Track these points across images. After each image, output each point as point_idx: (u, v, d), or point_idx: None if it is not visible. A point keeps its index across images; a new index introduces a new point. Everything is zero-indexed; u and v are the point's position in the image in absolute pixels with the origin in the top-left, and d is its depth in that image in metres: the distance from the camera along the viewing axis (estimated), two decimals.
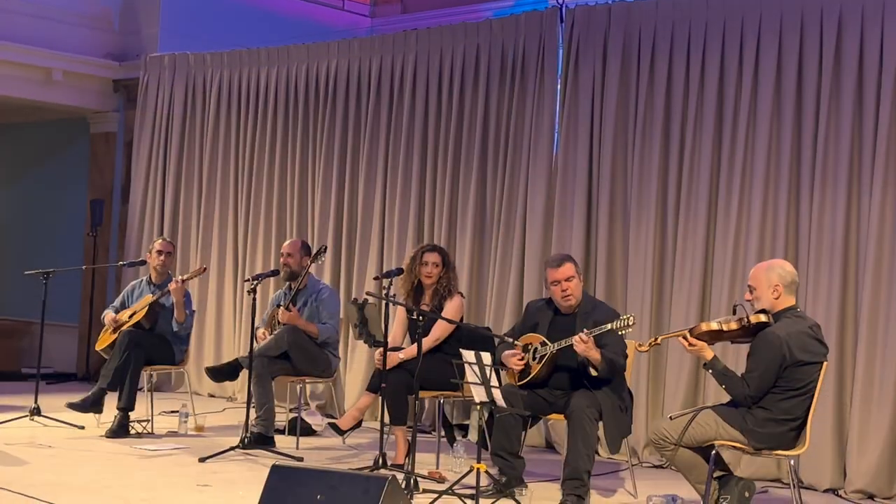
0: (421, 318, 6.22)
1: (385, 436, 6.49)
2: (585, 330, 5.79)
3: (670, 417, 5.44)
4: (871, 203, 6.60)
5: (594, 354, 5.78)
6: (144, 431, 7.61)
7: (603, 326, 5.75)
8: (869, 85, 6.67)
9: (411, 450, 6.16)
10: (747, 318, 5.37)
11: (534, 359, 6.04)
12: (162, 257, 8.00)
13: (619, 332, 5.76)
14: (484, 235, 8.29)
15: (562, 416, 6.00)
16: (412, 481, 5.91)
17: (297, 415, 7.79)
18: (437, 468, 6.73)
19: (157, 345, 7.80)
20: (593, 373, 5.83)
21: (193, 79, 10.16)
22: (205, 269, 8.48)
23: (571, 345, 5.86)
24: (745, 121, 7.08)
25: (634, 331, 7.23)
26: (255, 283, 7.19)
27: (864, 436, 6.52)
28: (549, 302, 6.24)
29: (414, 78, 8.68)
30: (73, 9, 10.70)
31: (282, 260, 7.71)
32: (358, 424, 7.04)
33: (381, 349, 6.48)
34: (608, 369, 5.83)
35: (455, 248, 8.33)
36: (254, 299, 7.15)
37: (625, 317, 5.76)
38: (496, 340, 6.55)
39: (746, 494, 5.35)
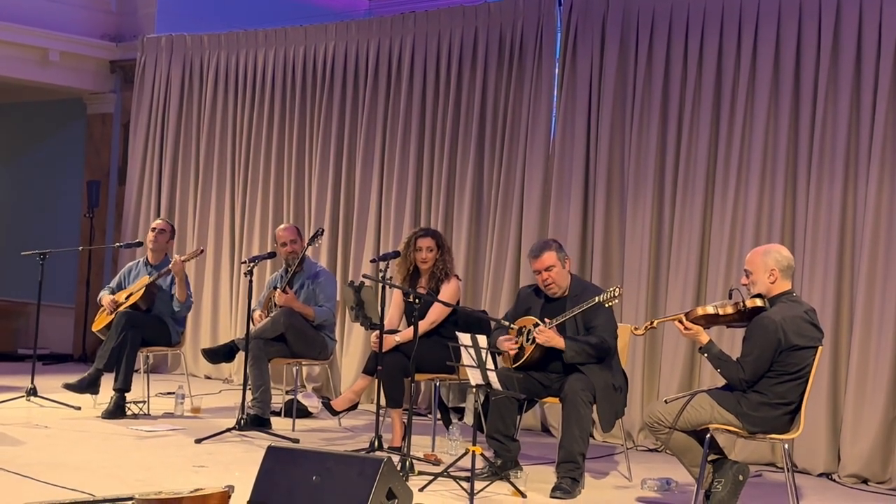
0: (417, 300, 6.23)
1: (381, 418, 6.51)
2: (546, 319, 5.85)
3: (665, 401, 5.45)
4: (867, 188, 6.60)
5: (557, 343, 5.82)
6: (141, 412, 7.62)
7: (587, 303, 5.80)
8: (867, 70, 6.67)
9: (407, 432, 6.18)
10: (743, 302, 5.37)
11: (527, 340, 6.05)
12: (154, 234, 8.01)
13: (608, 305, 5.78)
14: (481, 219, 8.30)
15: (557, 399, 6.02)
16: (408, 463, 5.92)
17: (293, 397, 7.81)
18: (433, 451, 6.75)
19: (154, 326, 7.80)
20: (566, 357, 5.87)
21: (191, 60, 10.14)
22: (202, 250, 8.48)
23: (564, 325, 5.90)
24: (743, 106, 7.08)
25: (630, 314, 7.30)
26: (251, 265, 7.19)
27: (859, 420, 6.54)
28: (539, 288, 6.25)
29: (412, 61, 8.67)
30: None
31: (287, 248, 7.69)
32: (353, 407, 7.05)
33: (378, 332, 6.48)
34: (581, 353, 5.85)
35: (452, 231, 8.34)
36: (250, 281, 7.16)
37: (611, 289, 5.79)
38: (492, 324, 6.57)
39: (740, 478, 5.36)
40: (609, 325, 5.98)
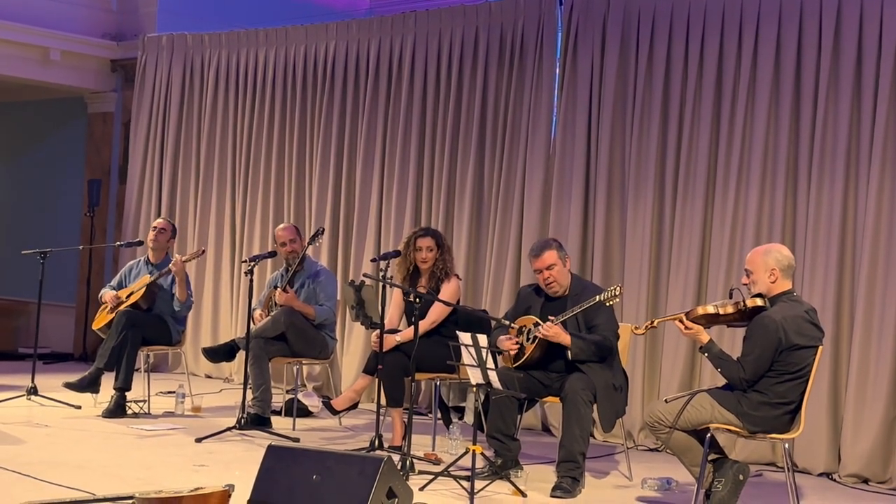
0: (417, 300, 6.23)
1: (381, 417, 6.51)
2: (551, 317, 5.83)
3: (665, 400, 5.45)
4: (868, 189, 6.60)
5: (564, 339, 5.81)
6: (141, 411, 7.62)
7: (588, 302, 5.79)
8: (867, 69, 6.67)
9: (407, 431, 6.18)
10: (744, 301, 5.37)
11: (527, 339, 6.05)
12: (154, 233, 8.01)
13: (608, 304, 5.78)
14: (481, 218, 8.30)
15: (557, 399, 6.02)
16: (408, 462, 5.92)
17: (293, 396, 7.81)
18: (433, 450, 6.75)
19: (155, 325, 7.80)
20: (569, 355, 5.86)
21: (191, 59, 10.15)
22: (203, 251, 8.49)
23: (564, 324, 5.89)
24: (743, 105, 7.08)
25: (631, 313, 7.30)
26: (252, 264, 7.20)
27: (859, 420, 6.54)
28: (539, 287, 6.24)
29: (412, 60, 8.67)
30: None
31: (286, 248, 7.69)
32: (354, 406, 7.05)
33: (378, 331, 6.48)
34: (586, 350, 5.84)
35: (452, 230, 8.34)
36: (251, 280, 7.16)
37: (611, 288, 5.78)
38: (493, 323, 6.57)
39: (741, 478, 5.36)
40: (611, 324, 5.98)
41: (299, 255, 7.58)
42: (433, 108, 8.56)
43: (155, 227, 8.06)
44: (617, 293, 5.74)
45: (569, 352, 5.87)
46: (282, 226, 7.94)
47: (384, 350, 6.49)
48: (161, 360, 10.06)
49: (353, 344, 8.80)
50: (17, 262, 9.34)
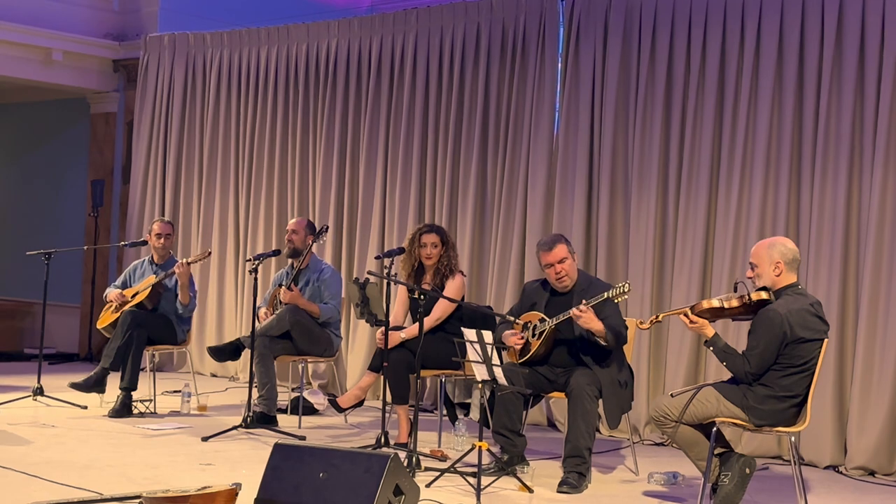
0: (422, 297, 6.23)
1: (387, 415, 6.51)
2: (584, 301, 5.81)
3: (671, 395, 5.45)
4: (872, 182, 6.60)
5: (596, 325, 5.78)
6: (147, 411, 7.63)
7: (600, 296, 5.78)
8: (871, 63, 6.66)
9: (413, 428, 6.18)
10: (748, 295, 5.37)
11: (533, 335, 6.05)
12: (162, 240, 7.99)
13: (616, 301, 5.78)
14: (485, 215, 8.30)
15: (563, 394, 6.02)
16: (414, 459, 5.93)
17: (299, 394, 7.82)
18: (439, 446, 6.76)
19: (160, 325, 7.81)
20: (602, 343, 5.84)
21: (193, 59, 10.15)
22: (209, 253, 8.47)
23: (570, 320, 5.87)
24: (747, 100, 7.08)
25: (635, 308, 7.30)
26: (256, 262, 7.20)
27: (865, 413, 6.54)
28: (545, 282, 6.24)
29: (414, 57, 8.67)
30: None
31: (286, 237, 7.71)
32: (359, 403, 7.05)
33: (383, 328, 6.48)
34: (614, 338, 5.84)
35: (456, 227, 8.34)
36: (255, 279, 7.16)
37: (620, 284, 5.78)
38: (497, 319, 6.57)
39: (747, 471, 5.36)
40: (620, 317, 5.99)
41: (297, 249, 7.56)
42: (435, 104, 8.56)
43: (160, 234, 7.98)
44: (626, 290, 5.73)
45: (601, 340, 5.85)
46: (297, 218, 8.00)
47: (389, 347, 6.50)
48: (166, 359, 10.07)
49: (358, 341, 8.80)
50: (22, 263, 9.35)
